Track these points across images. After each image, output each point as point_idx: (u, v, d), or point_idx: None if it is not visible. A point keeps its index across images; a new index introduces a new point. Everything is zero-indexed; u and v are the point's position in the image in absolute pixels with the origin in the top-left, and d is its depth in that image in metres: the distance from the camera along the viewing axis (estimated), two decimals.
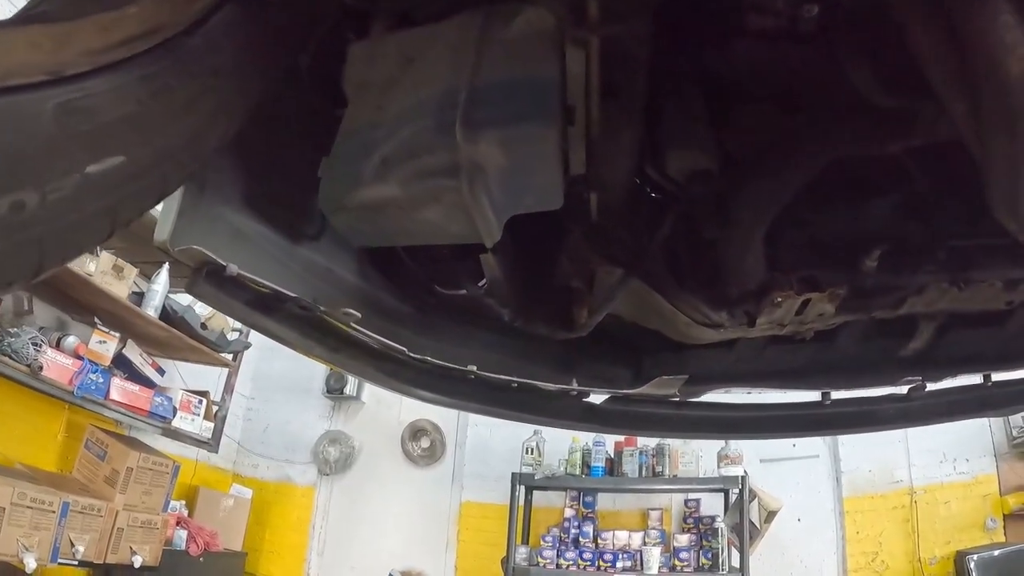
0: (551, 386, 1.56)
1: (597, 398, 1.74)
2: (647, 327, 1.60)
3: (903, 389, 1.82)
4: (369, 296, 1.51)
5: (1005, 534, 4.96)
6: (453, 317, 1.72)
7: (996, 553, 4.63)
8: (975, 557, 4.51)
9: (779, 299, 1.32)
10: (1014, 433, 5.10)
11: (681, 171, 1.22)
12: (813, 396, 1.80)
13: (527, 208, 1.03)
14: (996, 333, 1.75)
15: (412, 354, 1.44)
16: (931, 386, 1.78)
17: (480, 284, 1.55)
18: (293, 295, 1.19)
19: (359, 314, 1.27)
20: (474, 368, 1.51)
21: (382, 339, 1.36)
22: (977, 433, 5.25)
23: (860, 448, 5.30)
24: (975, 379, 1.83)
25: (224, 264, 1.06)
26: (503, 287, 1.49)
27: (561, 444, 4.94)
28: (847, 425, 1.81)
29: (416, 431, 5.78)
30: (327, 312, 1.25)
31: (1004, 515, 5.01)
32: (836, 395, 1.78)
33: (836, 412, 1.81)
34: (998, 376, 1.85)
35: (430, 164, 0.97)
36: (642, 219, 1.35)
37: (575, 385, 1.59)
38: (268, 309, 1.22)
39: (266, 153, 1.21)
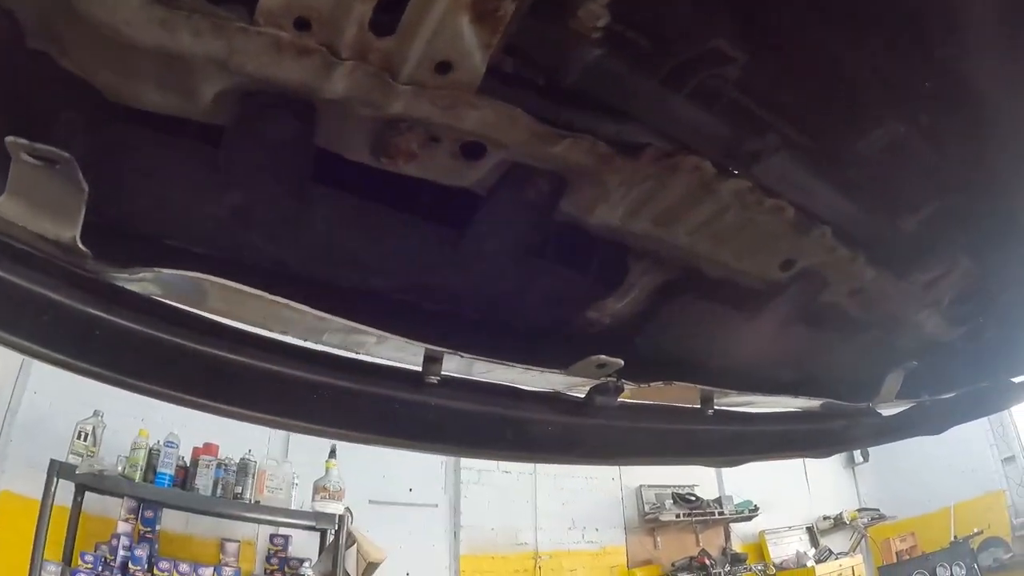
0: None
1: None
2: None
3: (578, 392, 1.00)
4: None
5: None
6: None
7: None
8: None
9: None
10: (646, 509, 5.08)
11: None
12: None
13: None
14: (734, 328, 1.03)
15: None
16: (627, 392, 0.98)
17: None
18: None
19: None
20: None
21: None
22: (609, 504, 5.20)
23: (484, 504, 4.98)
24: (690, 397, 1.09)
25: None
26: None
27: (127, 436, 3.72)
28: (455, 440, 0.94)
29: None
30: None
31: None
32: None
33: (443, 408, 0.92)
34: (722, 403, 1.13)
35: None
36: None
37: None
38: None
39: None
